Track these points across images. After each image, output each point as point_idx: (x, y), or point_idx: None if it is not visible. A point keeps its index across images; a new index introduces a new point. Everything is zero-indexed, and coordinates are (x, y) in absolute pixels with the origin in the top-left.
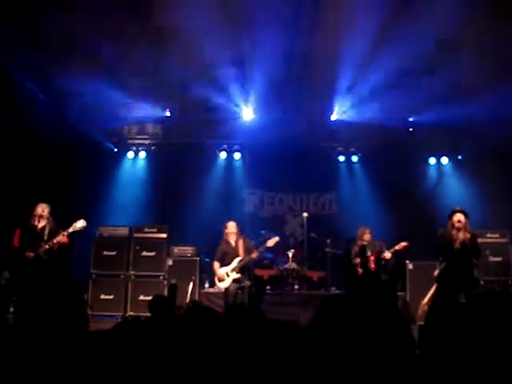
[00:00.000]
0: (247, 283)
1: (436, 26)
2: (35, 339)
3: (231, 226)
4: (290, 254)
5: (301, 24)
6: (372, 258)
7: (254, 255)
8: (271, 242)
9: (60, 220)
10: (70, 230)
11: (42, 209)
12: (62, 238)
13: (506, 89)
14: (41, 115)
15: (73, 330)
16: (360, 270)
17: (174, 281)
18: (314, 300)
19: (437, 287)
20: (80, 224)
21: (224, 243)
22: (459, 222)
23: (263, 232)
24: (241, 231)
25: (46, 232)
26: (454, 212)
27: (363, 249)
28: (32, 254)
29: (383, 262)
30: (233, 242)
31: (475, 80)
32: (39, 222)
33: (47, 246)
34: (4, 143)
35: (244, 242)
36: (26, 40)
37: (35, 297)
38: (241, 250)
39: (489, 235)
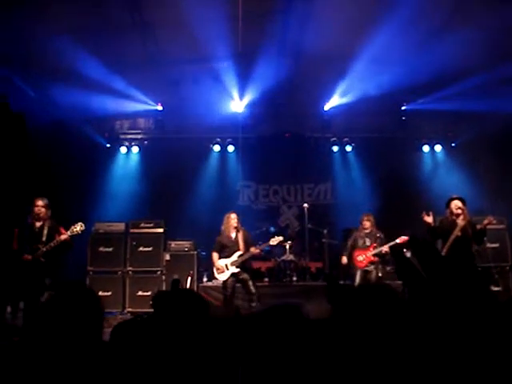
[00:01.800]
0: (246, 275)
1: (425, 10)
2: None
3: (233, 219)
4: (287, 246)
5: (293, 15)
6: (371, 248)
7: (256, 251)
8: (274, 241)
9: (55, 218)
10: (69, 233)
11: (39, 208)
12: (61, 238)
13: (498, 73)
14: (32, 113)
15: (88, 339)
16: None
17: (176, 276)
18: (314, 291)
19: None
20: (78, 227)
21: (223, 235)
22: (458, 208)
23: (264, 228)
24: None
25: (45, 232)
26: (452, 199)
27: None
28: (30, 257)
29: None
30: (232, 235)
31: (466, 65)
32: (37, 220)
33: (45, 249)
34: None
35: (243, 235)
36: (14, 38)
37: (52, 306)
38: (241, 244)
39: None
